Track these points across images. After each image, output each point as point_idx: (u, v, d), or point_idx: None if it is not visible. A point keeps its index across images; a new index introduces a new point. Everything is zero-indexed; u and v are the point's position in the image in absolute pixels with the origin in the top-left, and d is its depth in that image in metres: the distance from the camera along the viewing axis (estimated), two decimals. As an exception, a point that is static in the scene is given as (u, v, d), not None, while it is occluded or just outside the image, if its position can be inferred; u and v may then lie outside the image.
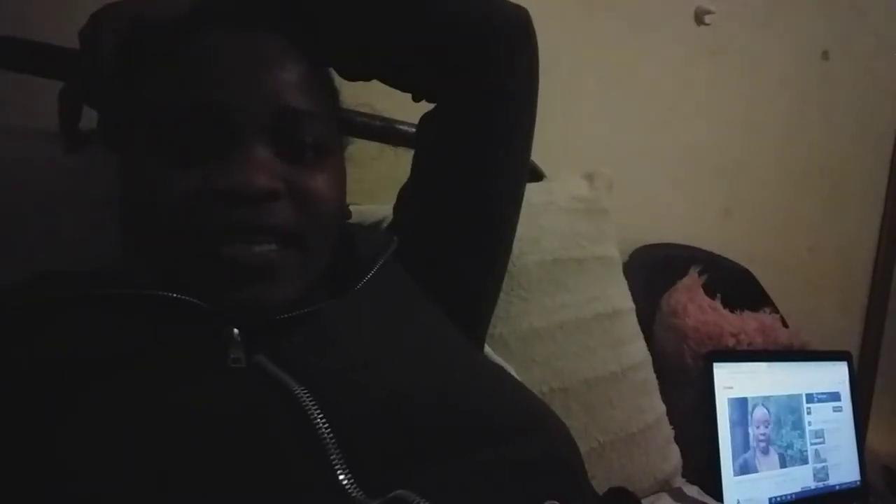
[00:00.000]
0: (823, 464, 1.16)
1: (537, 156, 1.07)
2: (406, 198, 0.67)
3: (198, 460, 0.36)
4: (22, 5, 0.77)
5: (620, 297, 0.91)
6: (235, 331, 0.45)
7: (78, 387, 0.40)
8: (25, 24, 0.73)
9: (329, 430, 0.38)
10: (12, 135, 0.64)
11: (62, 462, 0.36)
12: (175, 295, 0.45)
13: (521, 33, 0.61)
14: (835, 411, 1.22)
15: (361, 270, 0.54)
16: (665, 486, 0.87)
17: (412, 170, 0.66)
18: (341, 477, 0.37)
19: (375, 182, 0.76)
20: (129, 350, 0.43)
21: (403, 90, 0.64)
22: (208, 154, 0.48)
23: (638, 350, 0.91)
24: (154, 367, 0.42)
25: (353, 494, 0.36)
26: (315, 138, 0.51)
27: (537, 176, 1.03)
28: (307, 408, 0.39)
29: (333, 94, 0.59)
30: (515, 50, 0.61)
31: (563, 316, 0.83)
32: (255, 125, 0.49)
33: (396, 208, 0.68)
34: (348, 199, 0.59)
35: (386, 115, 0.76)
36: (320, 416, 0.39)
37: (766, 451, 1.09)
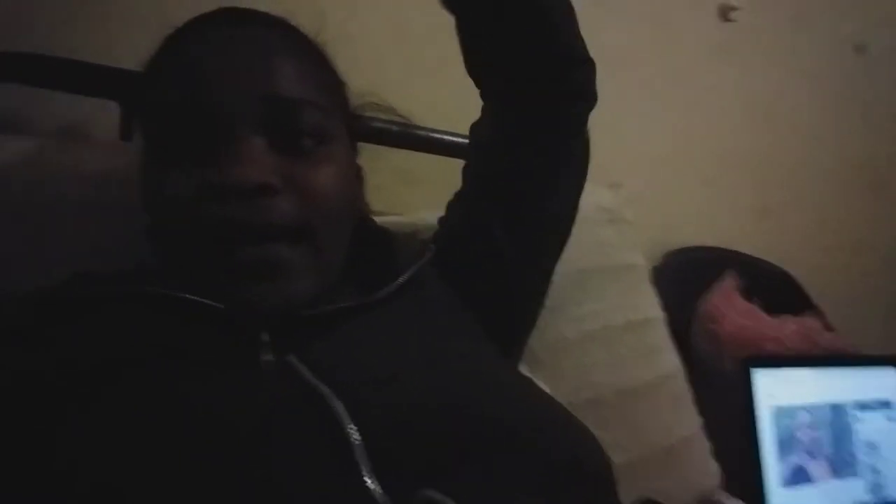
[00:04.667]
0: (878, 476, 1.10)
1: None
2: (456, 207, 0.67)
3: (224, 457, 0.36)
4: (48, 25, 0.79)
5: (649, 305, 0.90)
6: (265, 336, 0.45)
7: (106, 382, 0.40)
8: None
9: (359, 435, 0.38)
10: (43, 145, 0.66)
11: (88, 453, 0.37)
12: (198, 299, 0.45)
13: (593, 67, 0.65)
14: (889, 421, 1.16)
15: (393, 277, 0.54)
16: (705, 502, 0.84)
17: (464, 180, 0.66)
18: (368, 482, 0.36)
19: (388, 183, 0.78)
20: (160, 348, 0.43)
21: (491, 95, 0.65)
22: (204, 153, 0.48)
23: (670, 360, 0.89)
24: (184, 364, 0.42)
25: (380, 501, 0.36)
26: (312, 127, 0.51)
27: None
28: (337, 412, 0.39)
29: (337, 86, 0.59)
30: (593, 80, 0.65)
31: (593, 325, 0.83)
32: (244, 118, 0.48)
33: (443, 220, 0.68)
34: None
35: (403, 118, 0.76)
36: (350, 421, 0.38)
37: (813, 456, 1.04)
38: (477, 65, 0.64)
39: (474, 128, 0.67)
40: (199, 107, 0.49)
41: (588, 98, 0.65)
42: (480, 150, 0.66)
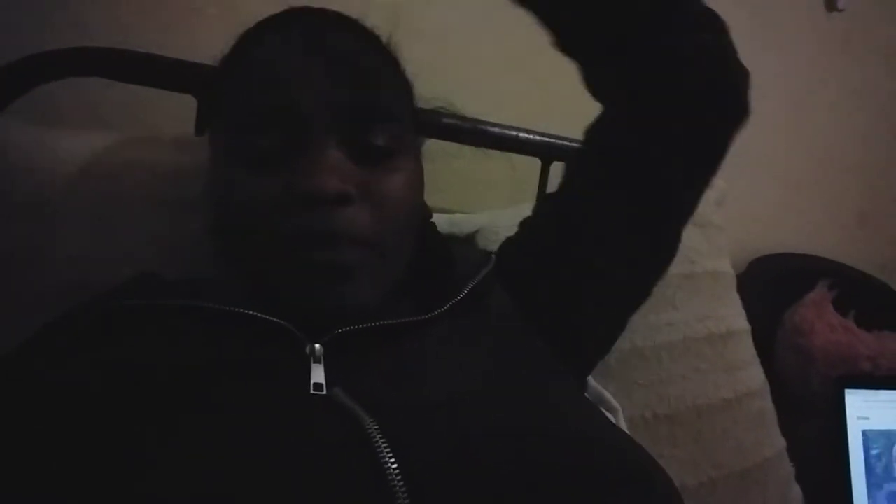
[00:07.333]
0: (980, 510, 1.02)
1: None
2: (540, 219, 0.63)
3: (262, 490, 0.35)
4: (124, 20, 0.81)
5: (735, 316, 0.86)
6: (318, 346, 0.44)
7: (155, 396, 0.40)
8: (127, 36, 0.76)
9: (399, 475, 0.36)
10: (119, 140, 0.67)
11: (128, 468, 0.36)
12: (254, 314, 0.45)
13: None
14: None
15: (453, 290, 0.52)
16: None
17: (564, 187, 0.62)
18: None
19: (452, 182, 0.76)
20: (212, 365, 0.43)
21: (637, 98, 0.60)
22: (284, 156, 0.49)
23: (754, 376, 0.85)
24: (234, 385, 0.42)
25: None
26: (388, 136, 0.51)
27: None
28: (378, 448, 0.37)
29: (408, 89, 0.58)
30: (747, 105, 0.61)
31: (670, 335, 0.79)
32: (323, 125, 0.49)
33: (520, 234, 0.64)
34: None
35: (468, 114, 0.74)
36: (391, 458, 0.36)
37: (908, 488, 0.98)
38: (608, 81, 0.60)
39: (594, 130, 0.62)
40: (279, 112, 0.49)
41: (739, 113, 0.61)
42: (605, 154, 0.61)
